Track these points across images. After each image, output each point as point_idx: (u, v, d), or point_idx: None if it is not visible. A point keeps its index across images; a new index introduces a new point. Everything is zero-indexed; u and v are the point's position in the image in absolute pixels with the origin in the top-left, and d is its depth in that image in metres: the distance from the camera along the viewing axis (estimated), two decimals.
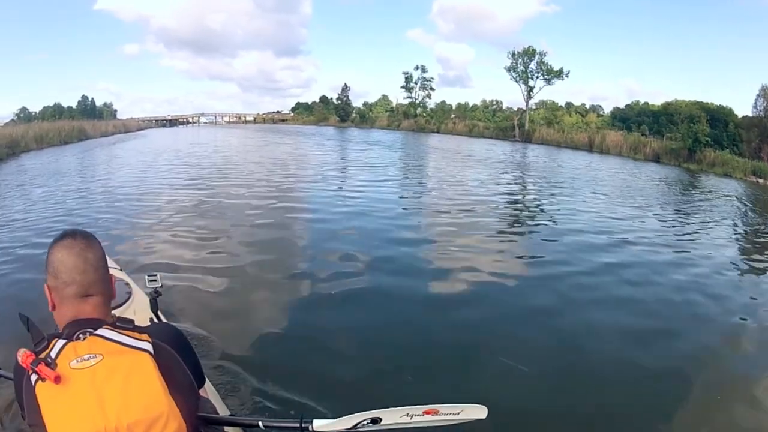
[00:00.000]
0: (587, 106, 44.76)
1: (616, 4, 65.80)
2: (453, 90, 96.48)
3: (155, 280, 2.28)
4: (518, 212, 9.93)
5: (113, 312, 1.15)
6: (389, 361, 3.55)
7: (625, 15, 67.85)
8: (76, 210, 8.19)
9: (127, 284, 2.85)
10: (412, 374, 3.35)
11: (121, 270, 3.25)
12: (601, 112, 43.56)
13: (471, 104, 49.22)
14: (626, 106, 41.06)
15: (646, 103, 39.35)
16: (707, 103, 31.38)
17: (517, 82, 39.07)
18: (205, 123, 53.89)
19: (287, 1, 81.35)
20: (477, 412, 1.34)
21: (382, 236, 6.99)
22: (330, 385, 3.06)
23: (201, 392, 1.25)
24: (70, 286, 1.07)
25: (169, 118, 51.20)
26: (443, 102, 48.08)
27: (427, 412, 1.32)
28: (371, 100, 53.37)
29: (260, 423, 1.35)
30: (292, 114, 57.27)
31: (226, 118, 56.16)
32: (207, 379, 1.46)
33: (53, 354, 0.96)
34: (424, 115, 45.30)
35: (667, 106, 35.06)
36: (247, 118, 56.40)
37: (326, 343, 3.72)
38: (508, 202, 10.96)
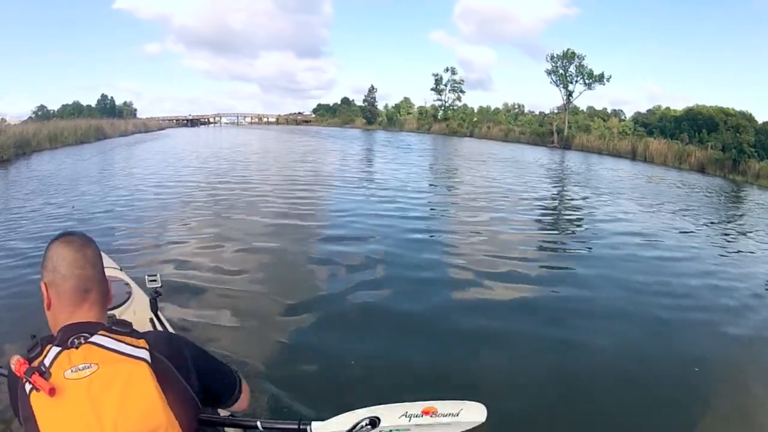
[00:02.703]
0: (608, 111, 42.36)
1: (637, 6, 62.84)
2: (474, 93, 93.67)
3: (155, 280, 2.27)
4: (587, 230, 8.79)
5: (113, 312, 1.33)
6: (391, 364, 3.52)
7: (645, 16, 65.29)
8: (75, 214, 7.87)
9: (127, 284, 2.82)
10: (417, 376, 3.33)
11: (121, 270, 3.20)
12: (623, 117, 41.38)
13: (493, 107, 46.79)
14: (648, 111, 39.42)
15: (668, 108, 37.67)
16: (728, 108, 30.36)
17: (557, 86, 37.00)
18: (227, 123, 52.86)
19: (309, 2, 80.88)
20: (476, 412, 1.33)
21: (404, 244, 6.69)
22: (329, 388, 3.07)
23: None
24: (69, 280, 1.04)
25: (190, 117, 50.24)
26: (465, 105, 45.67)
27: (425, 412, 1.32)
28: (392, 102, 51.63)
29: (259, 423, 1.33)
30: (314, 115, 55.72)
31: (248, 119, 54.97)
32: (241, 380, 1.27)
33: (47, 362, 0.93)
34: (457, 117, 43.11)
35: (688, 111, 33.54)
36: (269, 119, 55.12)
37: (326, 346, 3.69)
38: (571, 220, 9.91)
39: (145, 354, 0.97)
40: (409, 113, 48.08)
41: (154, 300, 2.30)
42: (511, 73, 72.47)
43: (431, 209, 9.83)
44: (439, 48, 76.68)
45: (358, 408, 1.31)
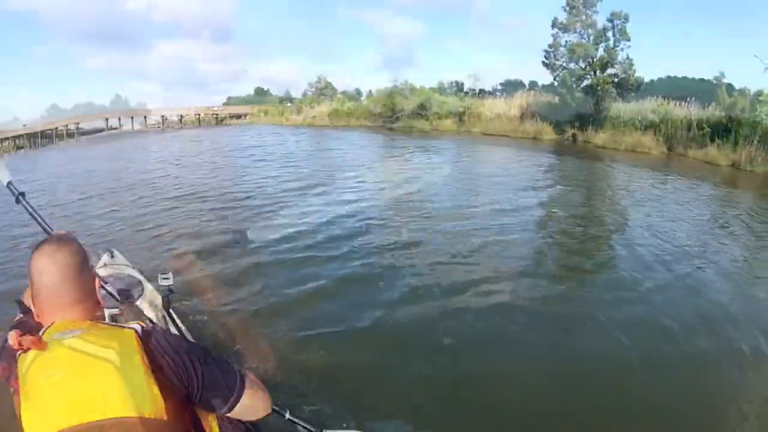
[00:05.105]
0: None
1: None
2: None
3: (168, 278, 2.30)
4: None
5: (117, 310, 1.39)
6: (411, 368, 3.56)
7: None
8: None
9: (140, 282, 2.89)
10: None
11: (133, 267, 3.27)
12: None
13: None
14: None
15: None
16: None
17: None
18: (90, 134, 39.72)
19: None
20: None
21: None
22: (341, 394, 3.16)
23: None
24: (41, 291, 1.05)
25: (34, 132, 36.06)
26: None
27: None
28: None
29: (287, 414, 1.43)
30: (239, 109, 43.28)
31: (154, 119, 42.06)
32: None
33: (24, 368, 0.95)
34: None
35: None
36: (181, 117, 42.28)
37: (340, 353, 3.72)
38: None
39: (113, 355, 0.94)
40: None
41: (167, 298, 2.34)
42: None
43: None
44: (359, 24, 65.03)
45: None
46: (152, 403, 0.93)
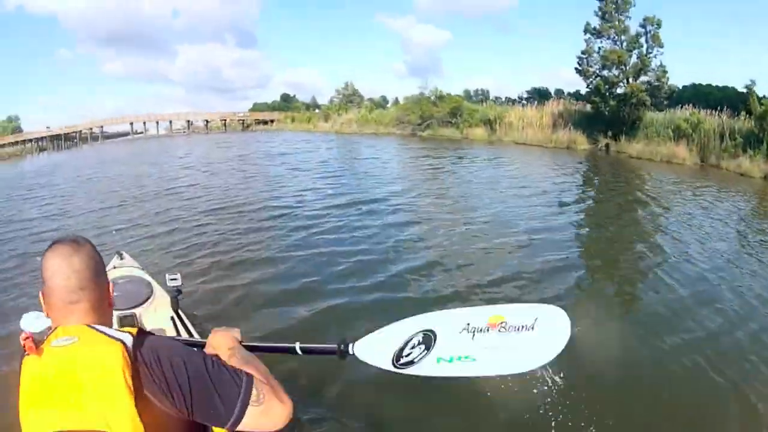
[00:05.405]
0: None
1: None
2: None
3: (176, 279, 2.38)
4: None
5: (135, 311, 1.41)
6: None
7: None
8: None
9: (149, 283, 2.95)
10: None
11: (142, 269, 3.33)
12: None
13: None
14: None
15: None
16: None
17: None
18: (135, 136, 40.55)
19: None
20: (555, 317, 1.11)
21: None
22: None
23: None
24: (55, 292, 1.04)
25: (59, 132, 36.01)
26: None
27: (492, 325, 1.10)
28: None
29: (297, 346, 1.31)
30: (272, 116, 44.24)
31: (180, 124, 42.93)
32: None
33: (24, 370, 0.98)
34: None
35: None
36: (207, 122, 43.13)
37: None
38: None
39: (95, 368, 0.95)
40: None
41: (175, 299, 2.40)
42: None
43: None
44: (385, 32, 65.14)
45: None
46: (129, 419, 0.93)
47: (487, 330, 1.09)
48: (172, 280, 2.41)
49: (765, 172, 16.08)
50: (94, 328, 1.00)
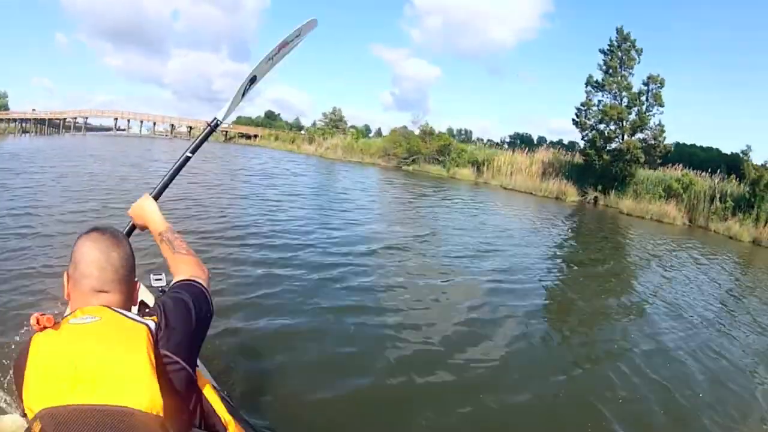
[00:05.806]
0: None
1: None
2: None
3: (160, 279, 2.19)
4: None
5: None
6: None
7: None
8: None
9: None
10: None
11: None
12: None
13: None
14: None
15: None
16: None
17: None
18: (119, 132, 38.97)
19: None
20: (311, 24, 1.84)
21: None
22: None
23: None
24: (86, 279, 1.06)
25: (43, 117, 34.81)
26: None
27: (282, 47, 1.79)
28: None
29: (187, 154, 1.70)
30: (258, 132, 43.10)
31: (164, 127, 41.51)
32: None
33: (34, 347, 0.96)
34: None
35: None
36: (190, 128, 41.70)
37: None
38: None
39: (119, 346, 0.96)
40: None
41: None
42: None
43: None
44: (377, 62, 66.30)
45: None
46: (150, 399, 0.92)
47: (279, 53, 1.83)
48: (156, 280, 2.31)
49: (754, 236, 15.82)
50: (115, 310, 1.01)
